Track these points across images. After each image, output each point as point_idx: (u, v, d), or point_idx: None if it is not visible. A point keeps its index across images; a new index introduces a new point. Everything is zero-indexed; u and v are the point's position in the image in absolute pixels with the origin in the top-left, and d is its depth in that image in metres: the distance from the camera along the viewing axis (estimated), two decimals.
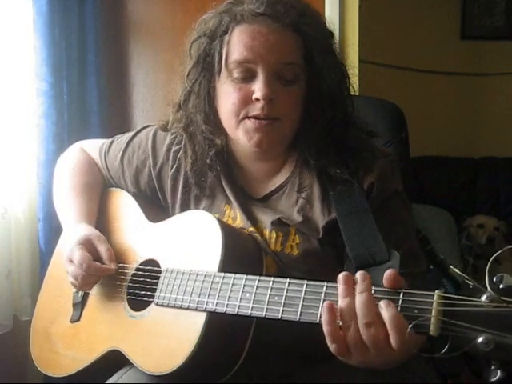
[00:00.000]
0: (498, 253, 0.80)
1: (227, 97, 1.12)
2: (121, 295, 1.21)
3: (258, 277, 0.99)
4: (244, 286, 0.99)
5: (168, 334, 1.08)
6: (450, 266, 1.29)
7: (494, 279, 0.75)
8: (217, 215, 1.16)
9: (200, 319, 1.03)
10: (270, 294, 0.96)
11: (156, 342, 1.09)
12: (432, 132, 3.07)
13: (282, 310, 0.94)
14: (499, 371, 0.73)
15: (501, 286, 0.74)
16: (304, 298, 0.92)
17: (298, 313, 0.92)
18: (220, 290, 1.02)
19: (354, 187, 1.11)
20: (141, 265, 1.21)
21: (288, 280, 0.95)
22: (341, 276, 0.87)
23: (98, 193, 1.37)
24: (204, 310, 1.03)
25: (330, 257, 1.13)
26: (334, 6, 2.16)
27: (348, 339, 0.85)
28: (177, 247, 1.17)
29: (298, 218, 1.14)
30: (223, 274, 1.03)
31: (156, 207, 1.30)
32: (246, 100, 1.09)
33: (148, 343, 1.10)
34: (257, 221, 1.17)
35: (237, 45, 1.09)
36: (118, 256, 1.25)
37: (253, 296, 0.98)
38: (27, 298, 1.93)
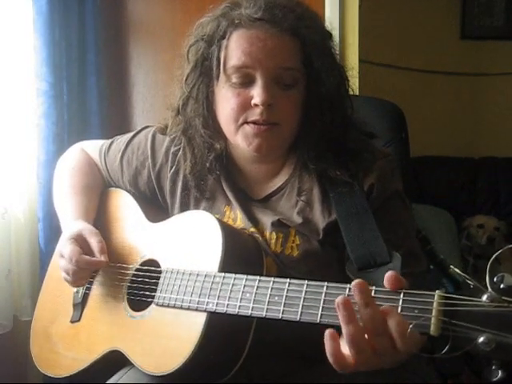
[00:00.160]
0: (498, 252, 0.80)
1: (226, 102, 1.11)
2: (121, 295, 1.21)
3: (258, 277, 0.99)
4: (244, 286, 0.99)
5: (168, 335, 1.08)
6: (451, 266, 1.29)
7: (495, 279, 0.75)
8: (217, 216, 1.16)
9: (200, 319, 1.03)
10: (270, 294, 0.96)
11: (156, 343, 1.09)
12: (432, 132, 3.07)
13: (283, 310, 0.94)
14: (500, 371, 0.73)
15: (501, 286, 0.74)
16: (304, 298, 0.92)
17: (299, 313, 0.91)
18: (220, 290, 1.02)
19: (354, 189, 1.11)
20: (141, 265, 1.21)
21: (288, 280, 0.95)
22: (340, 301, 0.82)
23: (97, 193, 1.37)
24: (204, 311, 1.03)
25: (330, 258, 1.13)
26: (334, 6, 2.16)
27: (358, 359, 0.82)
28: (177, 247, 1.17)
29: (297, 219, 1.14)
30: (223, 274, 1.03)
31: (156, 207, 1.30)
32: (245, 105, 1.09)
33: (148, 343, 1.10)
34: (257, 222, 1.17)
35: (235, 50, 1.09)
36: (118, 256, 1.25)
37: (253, 296, 0.98)
38: (27, 298, 1.93)
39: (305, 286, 0.92)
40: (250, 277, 1.00)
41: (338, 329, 0.84)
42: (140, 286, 1.18)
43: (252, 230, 1.16)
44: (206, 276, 1.05)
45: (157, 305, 1.12)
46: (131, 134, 1.36)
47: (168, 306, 1.10)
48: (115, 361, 1.15)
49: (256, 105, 1.08)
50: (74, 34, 2.06)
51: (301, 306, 0.91)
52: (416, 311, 0.80)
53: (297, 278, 0.95)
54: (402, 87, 2.96)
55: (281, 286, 0.95)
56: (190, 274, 1.08)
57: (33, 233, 1.97)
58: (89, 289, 1.28)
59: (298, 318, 0.91)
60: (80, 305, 1.27)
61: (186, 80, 1.16)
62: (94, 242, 1.21)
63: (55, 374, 1.25)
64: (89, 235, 1.22)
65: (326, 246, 1.13)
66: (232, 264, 1.05)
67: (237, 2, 1.13)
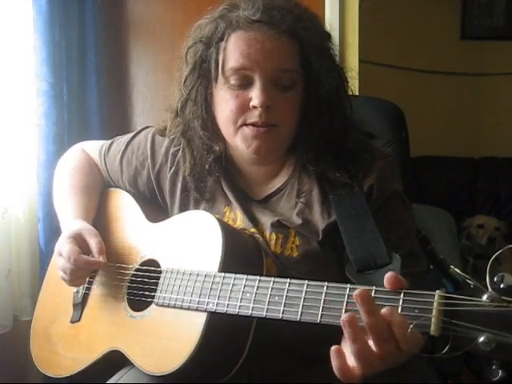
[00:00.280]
0: (498, 252, 0.80)
1: (224, 104, 1.11)
2: (121, 295, 1.21)
3: (258, 277, 0.99)
4: (244, 286, 0.99)
5: (168, 335, 1.08)
6: (451, 266, 1.29)
7: (495, 279, 0.75)
8: (217, 216, 1.16)
9: (200, 319, 1.03)
10: (270, 294, 0.96)
11: (156, 343, 1.09)
12: (432, 132, 3.07)
13: (283, 310, 0.94)
14: (500, 371, 0.73)
15: (501, 286, 0.74)
16: (304, 298, 0.92)
17: (299, 313, 0.91)
18: (220, 290, 1.02)
19: (353, 190, 1.11)
20: (141, 265, 1.21)
21: (288, 280, 0.95)
22: (345, 319, 0.81)
23: (97, 193, 1.37)
24: (204, 311, 1.03)
25: (330, 259, 1.12)
26: (333, 7, 2.16)
27: (365, 372, 0.82)
28: (177, 247, 1.17)
29: (297, 220, 1.14)
30: (223, 274, 1.03)
31: (156, 207, 1.30)
32: (244, 107, 1.09)
33: (148, 343, 1.10)
34: (257, 222, 1.17)
35: (233, 52, 1.09)
36: (118, 256, 1.25)
37: (253, 296, 0.98)
38: (27, 298, 1.93)
39: (305, 285, 0.92)
40: (250, 277, 1.00)
41: (338, 329, 0.84)
42: (140, 286, 1.18)
43: (252, 230, 1.16)
44: (206, 276, 1.05)
45: (157, 305, 1.12)
46: (131, 134, 1.36)
47: (168, 306, 1.10)
48: (115, 361, 1.15)
49: (254, 107, 1.08)
50: (73, 33, 2.06)
51: (301, 305, 0.91)
52: (416, 311, 0.80)
53: (297, 279, 0.95)
54: (402, 87, 2.96)
55: (281, 285, 0.95)
56: (190, 274, 1.08)
57: (33, 233, 1.97)
58: (89, 289, 1.28)
59: (298, 318, 0.91)
60: (80, 305, 1.27)
61: (184, 82, 1.16)
62: (93, 243, 1.21)
63: (55, 374, 1.25)
64: (88, 235, 1.22)
65: (326, 247, 1.12)
66: (232, 264, 1.05)
67: (235, 3, 1.13)
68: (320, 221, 1.13)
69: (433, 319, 0.78)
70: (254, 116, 1.09)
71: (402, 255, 1.01)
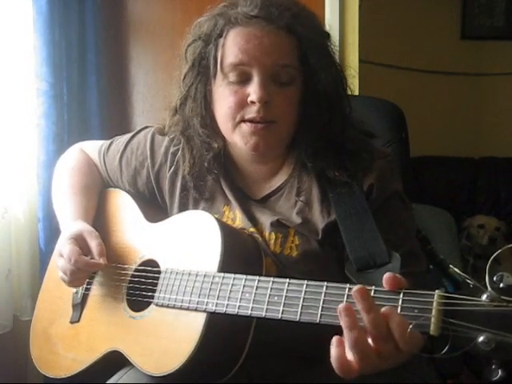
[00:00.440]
0: (498, 252, 0.80)
1: (223, 100, 1.11)
2: (120, 296, 1.21)
3: (257, 277, 0.99)
4: (244, 286, 0.99)
5: (168, 335, 1.08)
6: (450, 266, 1.29)
7: (494, 278, 0.75)
8: (216, 216, 1.16)
9: (200, 319, 1.03)
10: (269, 294, 0.96)
11: (156, 343, 1.09)
12: (432, 132, 3.07)
13: (282, 310, 0.93)
14: (500, 371, 0.73)
15: (501, 285, 0.74)
16: (304, 298, 0.91)
17: (298, 313, 0.91)
18: (220, 290, 1.02)
19: (353, 189, 1.11)
20: (140, 265, 1.21)
21: (288, 280, 0.95)
22: (341, 308, 0.82)
23: (96, 193, 1.37)
24: (204, 311, 1.03)
25: (329, 258, 1.12)
26: (333, 6, 2.16)
27: (363, 365, 0.81)
28: (176, 247, 1.16)
29: (297, 219, 1.14)
30: (223, 274, 1.03)
31: (155, 207, 1.30)
32: (242, 103, 1.09)
33: (148, 344, 1.10)
34: (257, 222, 1.17)
35: (232, 48, 1.09)
36: (117, 257, 1.25)
37: (252, 296, 0.98)
38: (27, 298, 1.93)
39: (304, 285, 0.92)
40: (249, 277, 1.00)
41: (338, 329, 0.84)
42: (139, 287, 1.18)
43: (251, 230, 1.16)
44: (205, 276, 1.05)
45: (156, 305, 1.12)
46: (130, 134, 1.36)
47: (167, 307, 1.10)
48: (115, 361, 1.15)
49: (253, 102, 1.08)
50: (73, 33, 2.06)
51: (300, 306, 0.91)
52: (416, 311, 0.80)
53: (296, 279, 0.95)
54: (402, 87, 2.96)
55: (280, 285, 0.95)
56: (190, 274, 1.08)
57: (33, 233, 1.97)
58: (88, 289, 1.28)
59: (297, 318, 0.91)
60: (79, 305, 1.27)
61: (183, 79, 1.16)
62: (94, 244, 1.21)
63: (55, 375, 1.25)
64: (89, 236, 1.22)
65: (326, 247, 1.12)
66: (231, 264, 1.05)
67: (234, 1, 1.13)
68: (320, 220, 1.13)
69: (432, 319, 0.78)
70: (252, 111, 1.09)
71: (401, 255, 1.01)
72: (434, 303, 0.78)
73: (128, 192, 1.34)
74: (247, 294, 0.98)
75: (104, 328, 1.21)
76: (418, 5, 3.11)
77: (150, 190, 1.30)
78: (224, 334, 1.04)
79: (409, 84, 3.09)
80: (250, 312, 0.97)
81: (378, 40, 2.90)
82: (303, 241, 1.13)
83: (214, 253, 1.06)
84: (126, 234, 1.28)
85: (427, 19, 3.14)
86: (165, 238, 1.21)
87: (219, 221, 1.12)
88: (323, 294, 0.90)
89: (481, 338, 0.73)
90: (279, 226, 1.14)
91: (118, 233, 1.29)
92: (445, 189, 3.01)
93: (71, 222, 1.28)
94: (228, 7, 1.12)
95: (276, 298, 0.95)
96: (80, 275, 1.21)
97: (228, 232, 1.09)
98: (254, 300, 0.97)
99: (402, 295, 0.82)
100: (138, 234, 1.26)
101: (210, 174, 1.21)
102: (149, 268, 1.19)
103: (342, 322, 0.81)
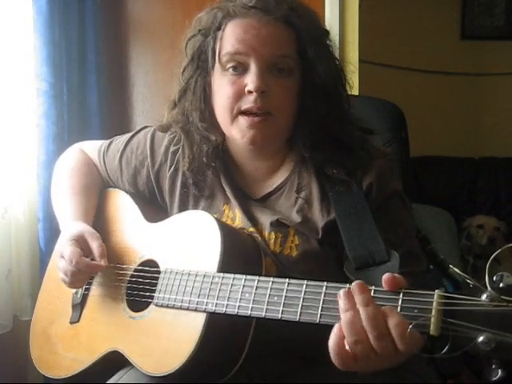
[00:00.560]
0: (497, 251, 0.80)
1: (221, 91, 1.12)
2: (120, 296, 1.21)
3: (257, 277, 0.99)
4: (243, 286, 0.99)
5: (168, 335, 1.07)
6: (450, 266, 1.29)
7: (494, 278, 0.75)
8: (216, 215, 1.16)
9: (200, 320, 1.03)
10: (269, 295, 0.96)
11: (156, 343, 1.09)
12: (432, 132, 3.07)
13: (282, 311, 0.93)
14: (500, 370, 0.73)
15: (501, 285, 0.74)
16: (304, 298, 0.91)
17: (298, 313, 0.91)
18: (219, 290, 1.02)
19: (351, 187, 1.11)
20: (140, 265, 1.21)
21: (287, 280, 0.95)
22: (341, 292, 0.85)
23: (96, 193, 1.37)
24: (204, 311, 1.03)
25: (329, 257, 1.12)
26: (334, 6, 2.17)
27: (357, 352, 0.82)
28: (176, 247, 1.16)
29: (297, 218, 1.14)
30: (222, 274, 1.03)
31: (154, 207, 1.30)
32: (240, 93, 1.09)
33: (148, 344, 1.10)
34: (257, 221, 1.17)
35: (229, 38, 1.10)
36: (117, 257, 1.25)
37: (252, 296, 0.98)
38: (27, 298, 1.93)
39: (304, 285, 0.92)
40: (249, 277, 0.99)
41: None
42: (139, 287, 1.18)
43: (251, 229, 1.16)
44: (204, 276, 1.05)
45: (156, 305, 1.12)
46: (130, 134, 1.35)
47: (167, 307, 1.10)
48: (115, 361, 1.15)
49: (250, 92, 1.08)
50: (73, 33, 2.06)
51: (300, 306, 0.91)
52: (415, 311, 0.80)
53: (296, 278, 0.95)
54: (402, 87, 2.96)
55: (280, 286, 0.95)
56: (189, 275, 1.08)
57: (33, 233, 1.97)
58: (88, 290, 1.28)
59: (297, 318, 0.91)
60: (79, 306, 1.27)
61: (183, 72, 1.17)
62: (95, 245, 1.21)
63: (55, 375, 1.25)
64: (90, 238, 1.22)
65: (325, 246, 1.12)
66: (231, 264, 1.05)
67: None
68: (319, 218, 1.13)
69: (432, 319, 0.78)
70: (249, 102, 1.08)
71: (401, 255, 1.01)
72: (434, 303, 0.78)
73: (128, 192, 1.34)
74: (247, 294, 0.98)
75: (104, 328, 1.21)
76: (418, 5, 3.11)
77: (150, 189, 1.30)
78: (224, 334, 1.04)
79: (409, 84, 3.08)
80: (249, 312, 0.97)
81: (378, 40, 2.90)
82: (303, 240, 1.13)
83: (214, 253, 1.06)
84: (126, 234, 1.28)
85: (427, 19, 3.14)
86: (164, 238, 1.20)
87: (219, 221, 1.11)
88: (323, 294, 0.90)
89: (481, 338, 0.73)
90: (279, 225, 1.14)
91: (118, 233, 1.29)
92: (445, 189, 3.01)
93: (71, 223, 1.27)
94: (227, 0, 1.13)
95: (276, 298, 0.95)
96: (81, 276, 1.21)
97: (228, 232, 1.09)
98: (253, 300, 0.97)
99: (401, 295, 0.83)
100: (137, 234, 1.26)
101: (209, 168, 1.21)
102: (148, 268, 1.19)
103: (340, 304, 0.83)
